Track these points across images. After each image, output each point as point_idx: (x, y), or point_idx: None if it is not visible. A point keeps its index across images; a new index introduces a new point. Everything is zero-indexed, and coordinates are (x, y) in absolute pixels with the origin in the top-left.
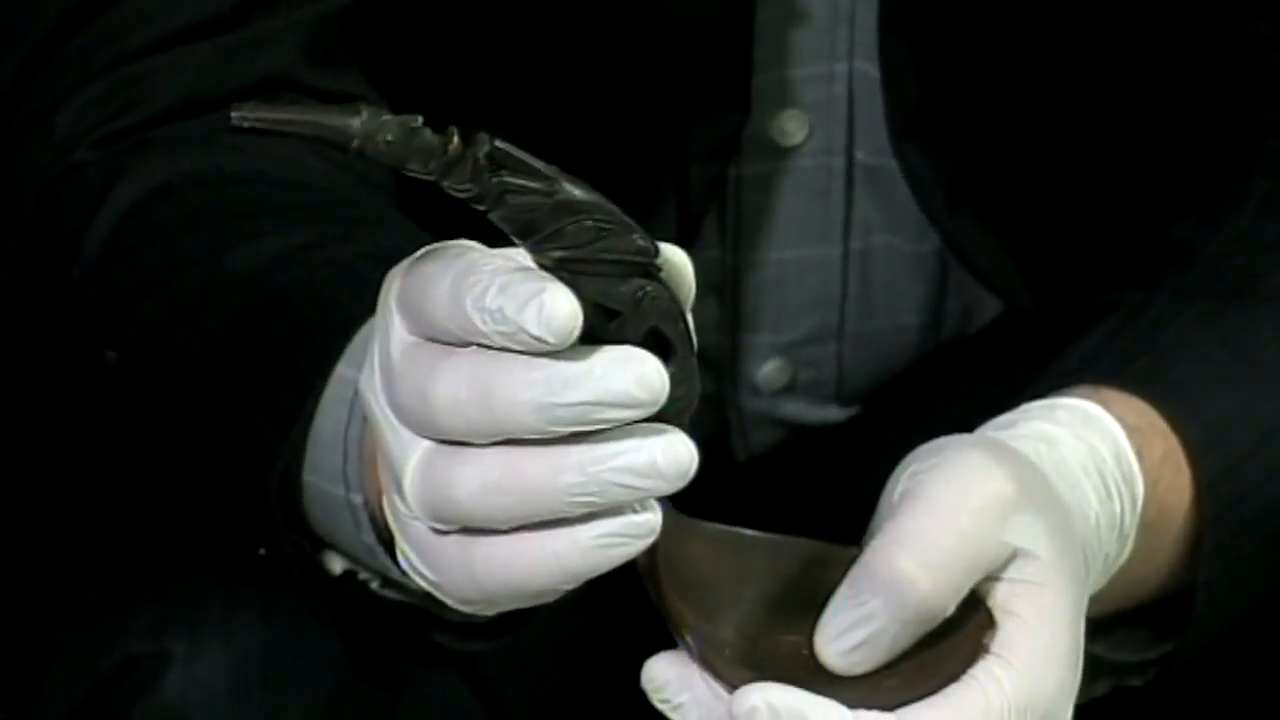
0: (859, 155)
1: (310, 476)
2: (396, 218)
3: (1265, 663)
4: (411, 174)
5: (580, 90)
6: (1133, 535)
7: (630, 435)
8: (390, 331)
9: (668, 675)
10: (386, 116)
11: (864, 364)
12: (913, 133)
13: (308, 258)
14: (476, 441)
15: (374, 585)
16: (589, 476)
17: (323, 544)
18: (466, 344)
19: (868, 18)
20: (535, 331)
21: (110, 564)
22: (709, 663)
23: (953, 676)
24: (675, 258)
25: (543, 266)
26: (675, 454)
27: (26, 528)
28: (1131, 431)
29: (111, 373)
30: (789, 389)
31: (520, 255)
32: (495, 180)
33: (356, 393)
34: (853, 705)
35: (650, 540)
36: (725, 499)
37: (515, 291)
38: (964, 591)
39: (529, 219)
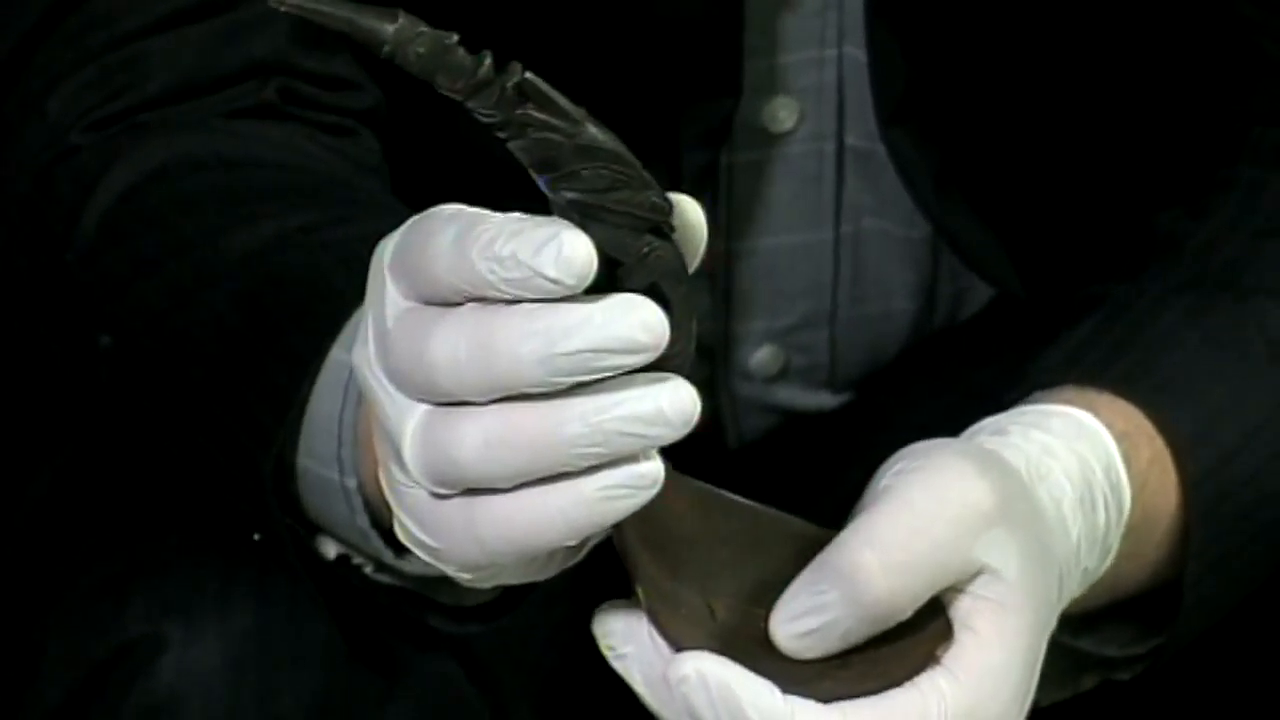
0: (849, 140)
1: (305, 460)
2: (391, 201)
3: (1252, 658)
4: (439, 88)
5: (572, 76)
6: (1116, 545)
7: (632, 385)
8: (384, 299)
9: (616, 625)
10: (423, 28)
11: (856, 350)
12: (901, 119)
13: (303, 241)
14: (477, 400)
15: (368, 570)
16: (593, 426)
17: (317, 528)
18: (464, 302)
19: (856, 3)
20: (552, 274)
21: (106, 548)
22: (659, 618)
23: (898, 680)
24: (690, 212)
25: (554, 206)
26: (680, 400)
27: (22, 511)
28: (1120, 438)
29: (106, 356)
30: (782, 375)
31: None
32: (520, 112)
33: (351, 375)
34: (792, 689)
35: (655, 490)
36: (718, 485)
37: (530, 236)
38: (923, 599)
39: (547, 155)
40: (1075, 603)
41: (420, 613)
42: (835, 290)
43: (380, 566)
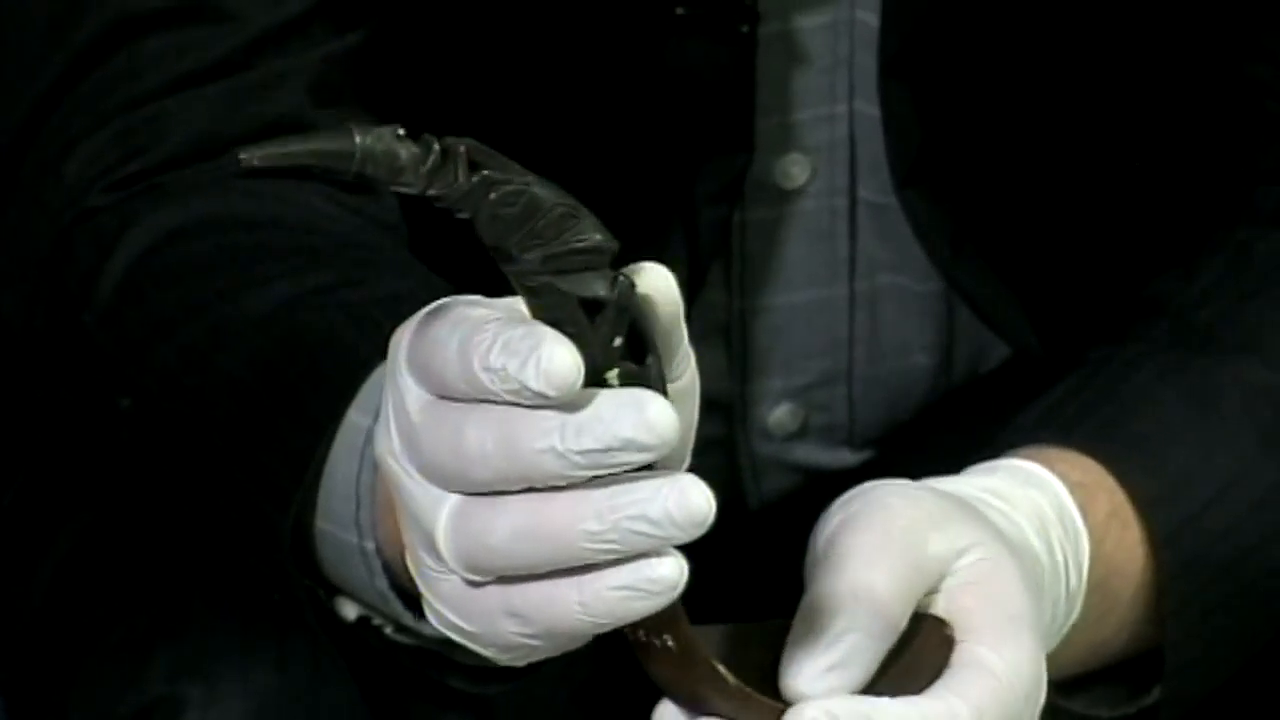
0: (862, 194)
1: (323, 523)
2: (408, 260)
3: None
4: (401, 188)
5: (587, 134)
6: (1081, 597)
7: (647, 480)
8: (405, 392)
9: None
10: (375, 130)
11: (875, 406)
12: (915, 180)
13: (319, 302)
14: (507, 489)
15: (388, 631)
16: (608, 524)
17: (336, 590)
18: (484, 401)
19: (867, 59)
20: (536, 387)
21: (127, 608)
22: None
23: (932, 679)
24: (660, 279)
25: (519, 278)
26: (688, 503)
27: (44, 573)
28: (1074, 488)
29: (125, 419)
30: (801, 433)
31: (522, 305)
32: (477, 178)
33: (368, 439)
34: None
35: (673, 596)
36: (739, 545)
37: (516, 349)
38: (917, 592)
39: (509, 218)
40: (1057, 664)
41: (441, 673)
42: (852, 347)
43: (400, 628)
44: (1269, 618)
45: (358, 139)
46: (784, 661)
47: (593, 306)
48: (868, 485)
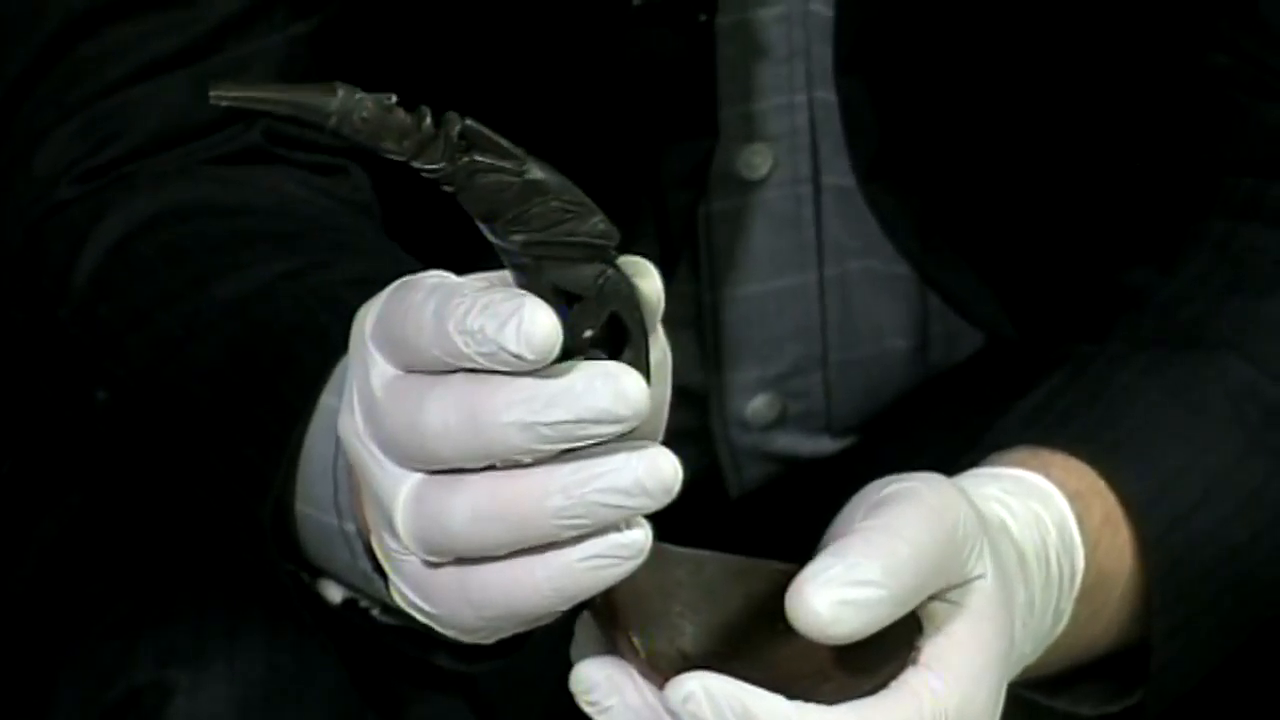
0: (827, 181)
1: (303, 506)
2: (381, 242)
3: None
4: (385, 153)
5: (551, 118)
6: (1069, 609)
7: (614, 453)
8: (369, 369)
9: (597, 678)
10: (361, 95)
11: (852, 392)
12: (879, 174)
13: (291, 287)
14: (469, 466)
15: (374, 612)
16: (575, 499)
17: (320, 572)
18: (452, 371)
19: (823, 51)
20: (514, 349)
21: (113, 594)
22: (640, 666)
23: (884, 684)
24: (644, 273)
25: (505, 253)
26: (659, 470)
27: (29, 558)
28: (1073, 498)
29: (103, 410)
30: (779, 422)
31: (501, 276)
32: (466, 159)
33: None
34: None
35: (641, 559)
36: (719, 537)
37: (495, 311)
38: (934, 588)
39: (496, 200)
40: (1037, 666)
41: (427, 653)
42: (825, 333)
43: (386, 609)
44: (1253, 615)
45: (338, 96)
46: (809, 570)
47: (571, 296)
48: (910, 476)
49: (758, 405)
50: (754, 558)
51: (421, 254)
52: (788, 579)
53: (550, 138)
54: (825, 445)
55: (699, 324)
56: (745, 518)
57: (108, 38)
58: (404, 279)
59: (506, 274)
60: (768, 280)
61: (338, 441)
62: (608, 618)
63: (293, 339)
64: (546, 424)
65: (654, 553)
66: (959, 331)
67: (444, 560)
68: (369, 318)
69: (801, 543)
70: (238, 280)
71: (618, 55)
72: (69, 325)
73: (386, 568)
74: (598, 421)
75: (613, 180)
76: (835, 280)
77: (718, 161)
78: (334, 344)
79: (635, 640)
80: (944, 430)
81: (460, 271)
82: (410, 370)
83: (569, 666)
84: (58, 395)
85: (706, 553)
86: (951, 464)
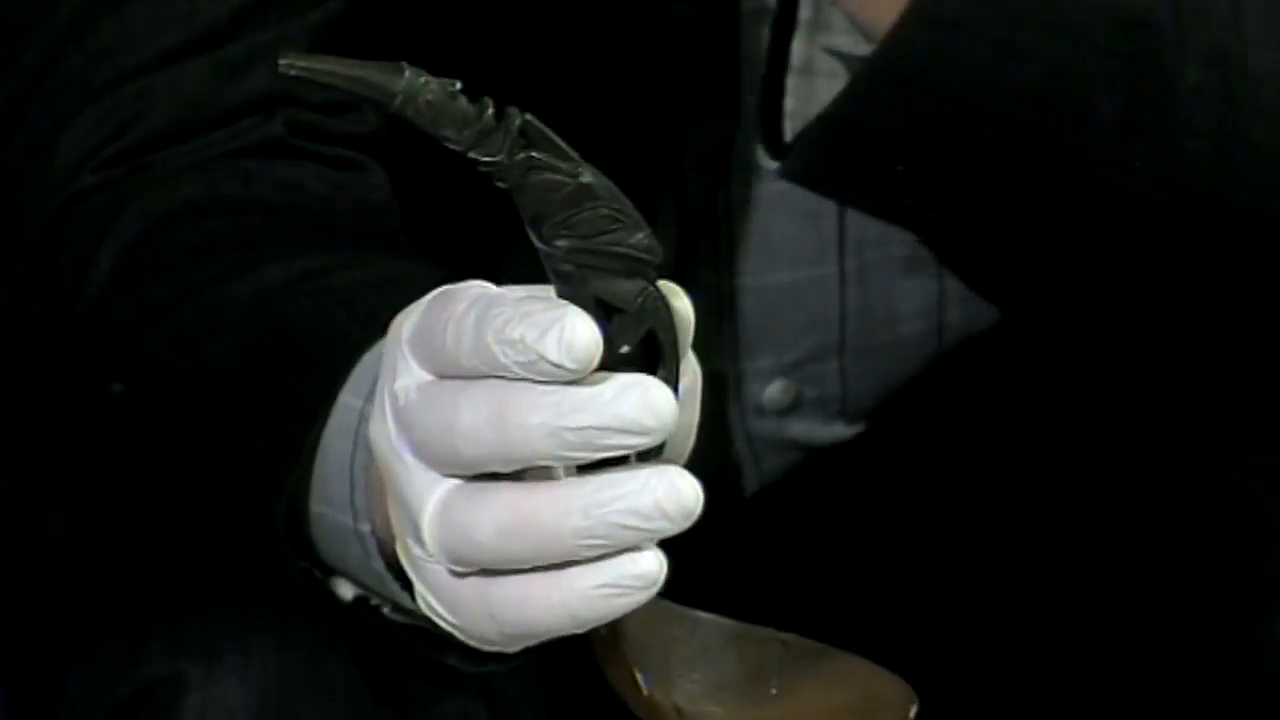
0: None
1: (318, 506)
2: (400, 242)
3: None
4: (443, 140)
5: (574, 96)
6: None
7: (636, 474)
8: (404, 374)
9: None
10: (427, 78)
11: (868, 378)
12: None
13: (309, 285)
14: (496, 470)
15: (386, 611)
16: (595, 520)
17: (333, 570)
18: (486, 378)
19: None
20: (554, 358)
21: (126, 588)
22: (649, 704)
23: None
24: (678, 299)
25: (549, 258)
26: (679, 494)
27: (41, 552)
28: None
29: (118, 405)
30: (793, 408)
31: (540, 289)
32: (523, 155)
33: (361, 420)
34: None
35: (655, 590)
36: (739, 523)
37: (536, 320)
38: None
39: (546, 200)
40: None
41: (440, 652)
42: (844, 323)
43: (398, 608)
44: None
45: (405, 77)
46: None
47: (611, 309)
48: None
49: (773, 392)
50: (750, 623)
51: (441, 254)
52: (782, 645)
53: (571, 114)
54: (840, 431)
55: (718, 313)
56: (762, 505)
57: (126, 22)
58: (444, 288)
59: (546, 287)
60: (787, 271)
61: (355, 441)
62: (612, 650)
63: (311, 338)
64: (571, 429)
65: (655, 605)
66: (975, 314)
67: (469, 570)
68: (406, 325)
69: (817, 536)
70: (256, 279)
71: (640, 30)
72: (86, 320)
73: (411, 574)
74: (623, 430)
75: (633, 159)
76: (855, 272)
77: (739, 149)
78: (353, 344)
79: (639, 677)
80: (957, 413)
81: (473, 273)
82: (445, 377)
83: (581, 663)
84: (70, 389)
85: (704, 614)
86: (964, 448)
